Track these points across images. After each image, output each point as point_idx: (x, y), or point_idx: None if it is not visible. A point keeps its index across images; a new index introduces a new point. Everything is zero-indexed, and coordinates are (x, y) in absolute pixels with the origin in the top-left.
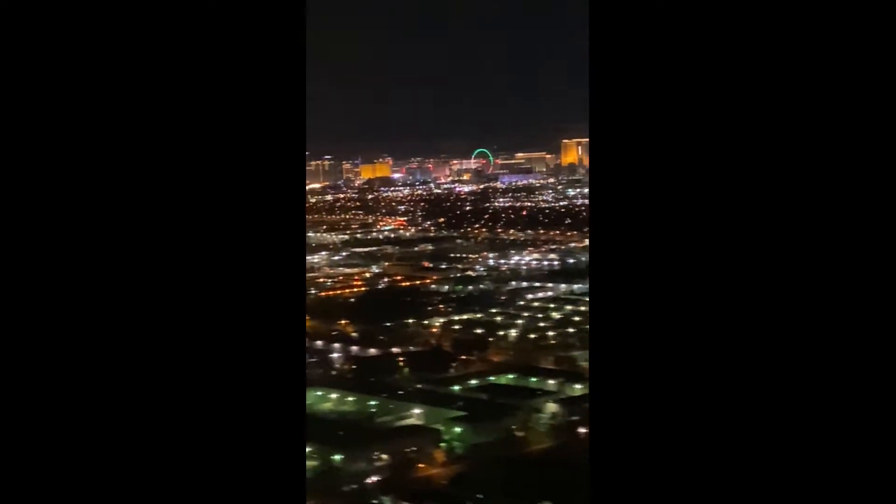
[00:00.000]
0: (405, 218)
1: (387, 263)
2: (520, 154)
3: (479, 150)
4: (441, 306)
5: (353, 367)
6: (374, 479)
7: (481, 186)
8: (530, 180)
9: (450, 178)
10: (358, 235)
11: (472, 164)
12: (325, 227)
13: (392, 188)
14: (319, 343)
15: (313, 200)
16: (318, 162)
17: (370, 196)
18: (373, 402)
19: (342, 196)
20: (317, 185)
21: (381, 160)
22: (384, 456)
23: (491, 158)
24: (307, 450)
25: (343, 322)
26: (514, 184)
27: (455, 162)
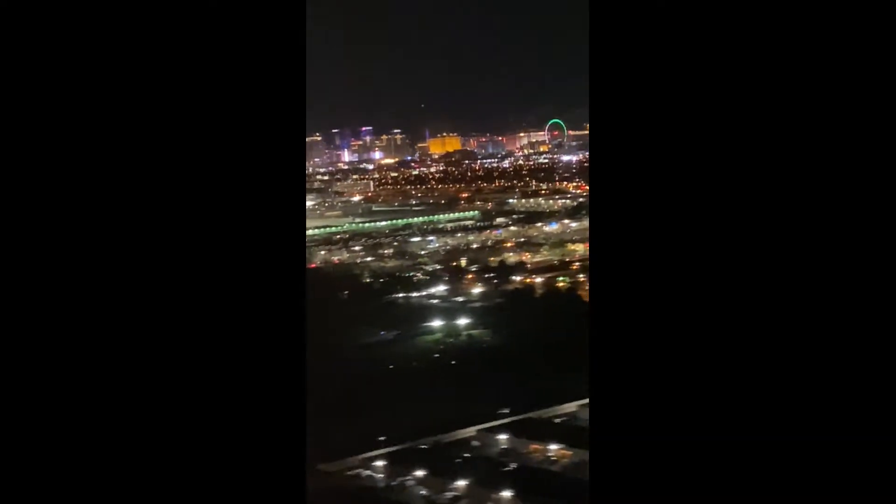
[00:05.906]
0: (580, 181)
1: None
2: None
3: (552, 121)
4: None
5: None
6: None
7: (587, 154)
8: None
9: (523, 151)
10: (580, 200)
11: (546, 135)
12: (515, 195)
13: (478, 160)
14: None
15: (416, 173)
16: (388, 137)
17: (475, 166)
18: None
19: (441, 168)
20: (390, 160)
21: (451, 134)
22: None
23: (564, 129)
24: None
25: None
26: None
27: (523, 133)
